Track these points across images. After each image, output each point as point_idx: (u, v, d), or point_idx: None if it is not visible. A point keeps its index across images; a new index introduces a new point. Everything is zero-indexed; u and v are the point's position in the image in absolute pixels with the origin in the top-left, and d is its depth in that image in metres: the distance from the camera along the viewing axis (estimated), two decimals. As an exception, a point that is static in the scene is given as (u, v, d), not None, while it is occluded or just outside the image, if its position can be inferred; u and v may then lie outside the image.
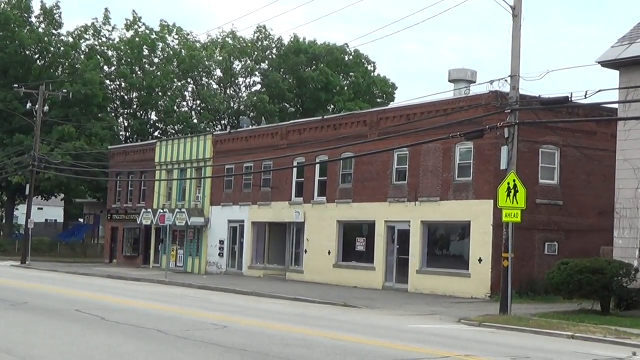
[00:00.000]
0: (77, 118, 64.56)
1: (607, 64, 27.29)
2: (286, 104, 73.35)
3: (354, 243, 38.67)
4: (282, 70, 73.24)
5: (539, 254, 33.24)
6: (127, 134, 72.71)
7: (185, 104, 75.28)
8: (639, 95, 26.02)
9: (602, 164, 32.35)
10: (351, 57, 75.48)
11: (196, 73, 73.03)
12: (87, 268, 49.82)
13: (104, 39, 72.53)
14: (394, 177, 36.63)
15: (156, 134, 73.22)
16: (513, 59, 24.89)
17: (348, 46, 73.71)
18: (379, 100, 73.42)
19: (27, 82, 61.16)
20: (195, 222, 47.54)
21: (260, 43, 74.92)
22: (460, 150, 33.67)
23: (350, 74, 75.07)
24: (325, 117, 44.19)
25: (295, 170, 41.65)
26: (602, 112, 33.16)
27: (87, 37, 71.55)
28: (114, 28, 72.92)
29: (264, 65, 74.55)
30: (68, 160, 57.21)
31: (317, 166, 40.25)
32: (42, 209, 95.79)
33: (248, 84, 75.58)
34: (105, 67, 71.85)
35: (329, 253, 39.30)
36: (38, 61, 69.39)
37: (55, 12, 69.51)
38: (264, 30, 74.39)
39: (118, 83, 72.73)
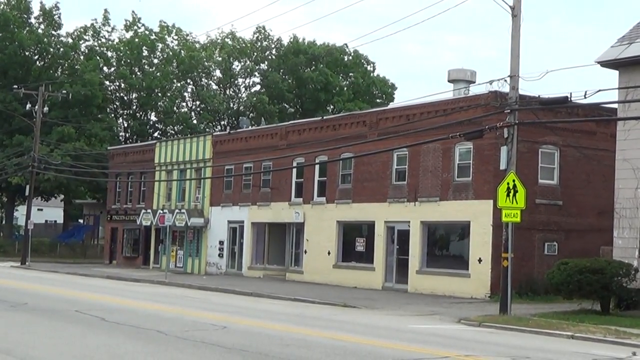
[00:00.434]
0: (76, 119, 64.58)
1: (606, 64, 27.28)
2: (285, 105, 73.37)
3: (354, 243, 38.67)
4: (282, 70, 73.25)
5: (539, 254, 33.24)
6: (127, 135, 72.72)
7: (184, 104, 75.36)
8: (638, 95, 26.01)
9: (602, 163, 32.34)
10: (350, 58, 75.53)
11: (195, 73, 73.05)
12: (86, 269, 49.81)
13: (103, 40, 72.59)
14: (394, 177, 36.63)
15: (155, 134, 73.24)
16: (512, 59, 24.89)
17: (347, 46, 73.83)
18: (378, 100, 73.44)
19: (26, 82, 61.17)
20: (195, 223, 47.54)
21: (259, 43, 74.94)
22: (460, 150, 33.67)
23: (350, 74, 75.12)
24: (324, 117, 44.21)
25: (294, 170, 41.65)
26: (601, 112, 33.17)
27: (86, 37, 71.60)
28: (113, 29, 73.04)
29: (263, 66, 74.58)
30: (67, 161, 57.21)
31: (317, 166, 40.26)
32: (41, 209, 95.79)
33: (247, 84, 75.70)
34: (105, 68, 71.87)
35: (329, 253, 39.30)
36: (37, 62, 69.41)
37: (54, 12, 69.53)
38: (263, 31, 74.46)
39: (117, 84, 72.75)
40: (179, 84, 73.44)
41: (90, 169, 55.18)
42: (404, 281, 35.25)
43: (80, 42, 70.91)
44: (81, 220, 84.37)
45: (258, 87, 74.24)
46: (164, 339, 16.89)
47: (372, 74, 76.20)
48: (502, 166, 24.87)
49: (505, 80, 24.79)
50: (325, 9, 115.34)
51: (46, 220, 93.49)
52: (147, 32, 72.80)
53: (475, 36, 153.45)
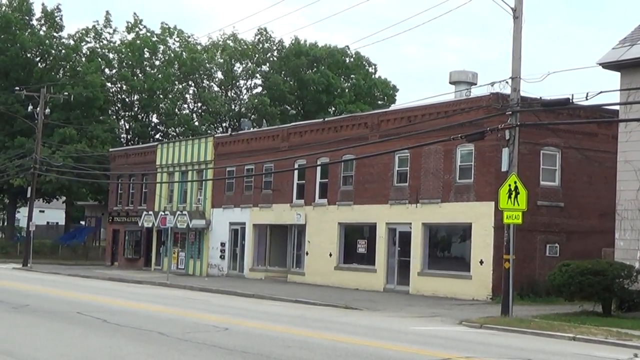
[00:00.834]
0: (78, 120, 64.62)
1: (608, 66, 27.28)
2: (287, 106, 73.39)
3: (355, 245, 38.68)
4: (283, 72, 73.27)
5: (540, 256, 33.23)
6: (128, 137, 72.78)
7: (186, 106, 75.44)
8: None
9: (603, 165, 32.35)
10: (352, 59, 75.52)
11: (197, 75, 73.10)
12: (88, 270, 49.83)
13: (105, 42, 72.60)
14: (395, 179, 36.63)
15: (157, 136, 73.30)
16: (514, 61, 24.89)
17: (349, 48, 73.85)
18: (379, 102, 73.45)
19: (28, 84, 61.20)
20: (197, 225, 47.56)
21: (261, 45, 74.95)
22: (461, 152, 33.67)
23: (351, 76, 75.10)
24: (326, 119, 44.26)
25: (296, 172, 41.67)
26: (603, 114, 33.06)
27: (88, 39, 71.62)
28: (114, 30, 73.10)
29: (265, 68, 74.60)
30: (69, 162, 57.26)
31: (318, 168, 40.26)
32: (43, 211, 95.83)
33: (249, 86, 75.76)
34: (106, 70, 71.91)
35: (330, 255, 39.31)
36: (39, 64, 69.44)
37: (56, 14, 69.60)
38: (264, 33, 74.46)
39: (119, 85, 72.80)
40: (180, 86, 73.50)
41: (91, 170, 55.23)
42: (406, 283, 35.25)
43: (82, 44, 70.96)
44: (83, 222, 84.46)
45: (259, 89, 74.31)
46: (165, 340, 16.90)
47: (373, 76, 76.20)
48: (504, 168, 24.88)
49: (507, 82, 24.78)
50: (327, 11, 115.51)
51: (48, 222, 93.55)
52: (148, 34, 72.86)
53: (477, 38, 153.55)
